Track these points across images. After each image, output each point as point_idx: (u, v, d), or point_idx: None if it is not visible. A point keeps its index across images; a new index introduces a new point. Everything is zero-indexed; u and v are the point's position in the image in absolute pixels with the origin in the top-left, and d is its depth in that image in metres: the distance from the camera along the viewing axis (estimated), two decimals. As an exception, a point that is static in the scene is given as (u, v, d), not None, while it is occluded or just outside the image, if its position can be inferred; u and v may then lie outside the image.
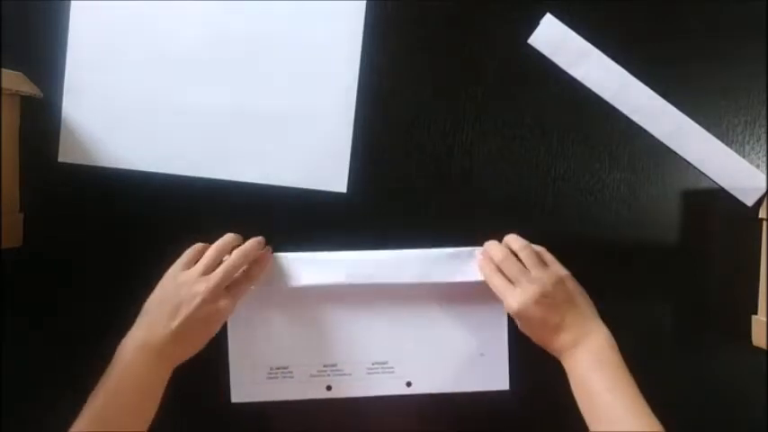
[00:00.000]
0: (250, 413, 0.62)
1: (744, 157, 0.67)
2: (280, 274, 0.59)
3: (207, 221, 0.63)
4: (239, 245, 0.57)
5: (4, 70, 0.56)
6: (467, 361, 0.62)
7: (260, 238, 0.58)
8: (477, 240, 0.62)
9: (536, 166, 0.66)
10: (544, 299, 0.53)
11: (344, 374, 0.62)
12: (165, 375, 0.51)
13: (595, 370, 0.52)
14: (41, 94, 0.61)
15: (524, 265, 0.56)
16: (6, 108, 0.58)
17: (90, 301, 0.62)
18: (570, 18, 0.64)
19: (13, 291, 0.61)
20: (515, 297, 0.54)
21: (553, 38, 0.65)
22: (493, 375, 0.63)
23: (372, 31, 0.63)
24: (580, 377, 0.52)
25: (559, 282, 0.55)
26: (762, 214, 0.65)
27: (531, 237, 0.65)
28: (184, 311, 0.50)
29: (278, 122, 0.63)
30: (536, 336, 0.55)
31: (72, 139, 0.62)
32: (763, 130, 0.67)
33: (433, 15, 0.64)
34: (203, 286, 0.51)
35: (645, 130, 0.66)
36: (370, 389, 0.62)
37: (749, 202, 0.66)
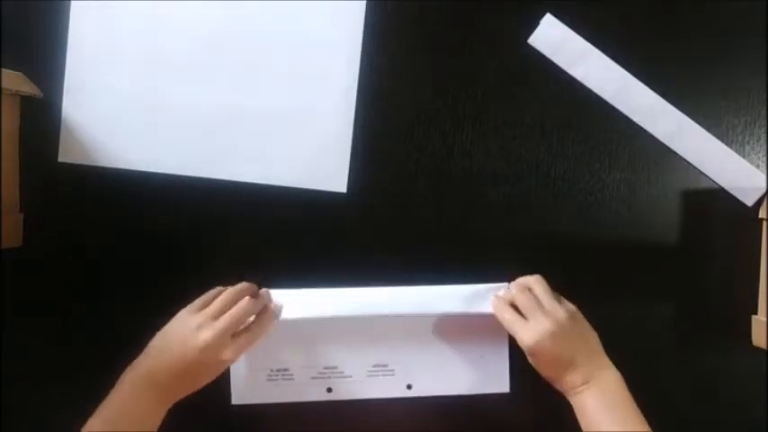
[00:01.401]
0: (250, 415, 0.61)
1: (744, 157, 0.67)
2: (283, 311, 0.58)
3: (207, 221, 0.63)
4: (254, 292, 0.55)
5: (4, 70, 0.56)
6: (467, 363, 0.62)
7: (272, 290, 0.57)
8: (476, 240, 0.62)
9: (536, 166, 0.66)
10: (560, 333, 0.52)
11: (345, 377, 0.61)
12: (163, 411, 0.51)
13: (606, 411, 0.51)
14: (41, 94, 0.61)
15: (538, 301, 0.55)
16: (6, 108, 0.58)
17: (90, 301, 0.62)
18: (570, 18, 0.64)
19: (13, 291, 0.61)
20: (529, 332, 0.53)
21: (553, 38, 0.65)
22: (493, 378, 0.63)
23: (372, 31, 0.63)
24: (591, 417, 0.51)
25: (572, 316, 0.54)
26: (762, 214, 0.65)
27: (531, 236, 0.65)
28: (189, 355, 0.50)
29: (278, 122, 0.63)
30: (546, 372, 0.54)
31: (72, 139, 0.62)
32: (763, 130, 0.67)
33: (433, 15, 0.64)
34: (209, 334, 0.50)
35: (645, 130, 0.66)
36: (371, 391, 0.62)
37: (749, 202, 0.66)
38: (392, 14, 0.64)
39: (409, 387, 0.62)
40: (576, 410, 0.53)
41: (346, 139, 0.64)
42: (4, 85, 0.56)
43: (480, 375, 0.62)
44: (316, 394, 0.61)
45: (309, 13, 0.63)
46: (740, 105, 0.67)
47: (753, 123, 0.67)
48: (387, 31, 0.64)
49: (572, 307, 0.55)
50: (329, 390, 0.61)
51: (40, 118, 0.61)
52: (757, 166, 0.67)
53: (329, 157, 0.64)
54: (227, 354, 0.51)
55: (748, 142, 0.67)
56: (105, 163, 0.62)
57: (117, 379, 0.50)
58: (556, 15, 0.64)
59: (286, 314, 0.57)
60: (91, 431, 0.48)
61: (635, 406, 0.51)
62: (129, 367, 0.51)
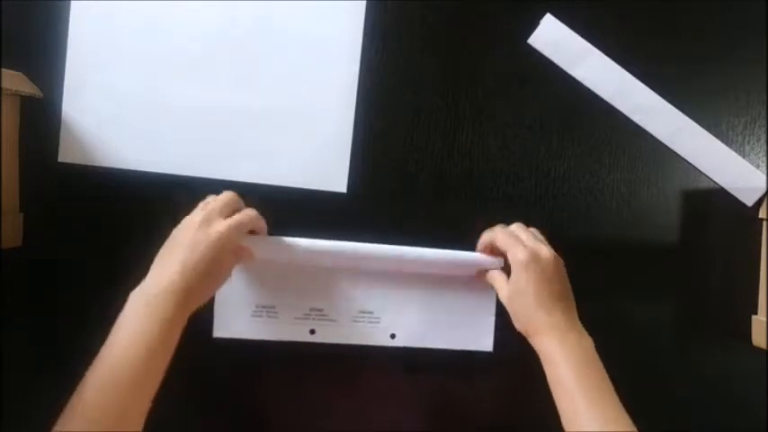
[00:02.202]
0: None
1: (744, 157, 0.67)
2: (275, 250, 0.58)
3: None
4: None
5: (4, 70, 0.56)
6: (453, 319, 0.62)
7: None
8: (476, 240, 0.62)
9: (536, 167, 0.66)
10: (555, 267, 0.53)
11: (330, 320, 0.61)
12: (180, 322, 0.49)
13: (570, 360, 0.50)
14: (41, 94, 0.61)
15: None
16: (6, 108, 0.58)
17: (90, 301, 0.62)
18: (570, 18, 0.64)
19: (13, 291, 0.61)
20: (526, 251, 0.53)
21: (553, 38, 0.65)
22: (478, 336, 0.62)
23: (372, 31, 0.63)
24: (556, 362, 0.50)
25: (564, 271, 0.55)
26: (762, 214, 0.65)
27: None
28: (185, 243, 0.50)
29: (278, 122, 0.63)
30: (526, 300, 0.53)
31: (72, 139, 0.62)
32: (763, 130, 0.67)
33: (433, 15, 0.64)
34: (200, 215, 0.52)
35: (645, 130, 0.66)
36: (354, 337, 0.61)
37: (749, 202, 0.67)
38: (392, 14, 0.64)
39: (393, 336, 0.62)
40: (542, 357, 0.52)
41: (346, 139, 0.64)
42: (4, 85, 0.56)
43: (464, 332, 0.62)
44: (298, 335, 0.60)
45: (309, 13, 0.63)
46: (740, 105, 0.67)
47: (753, 123, 0.67)
48: (387, 31, 0.64)
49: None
50: (312, 331, 0.61)
51: (40, 118, 0.61)
52: (757, 166, 0.67)
53: (329, 157, 0.64)
54: (216, 225, 0.51)
55: (748, 142, 0.67)
56: (105, 163, 0.62)
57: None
58: (556, 15, 0.65)
59: (278, 257, 0.58)
60: (104, 359, 0.46)
61: (602, 367, 0.50)
62: (133, 291, 0.49)
